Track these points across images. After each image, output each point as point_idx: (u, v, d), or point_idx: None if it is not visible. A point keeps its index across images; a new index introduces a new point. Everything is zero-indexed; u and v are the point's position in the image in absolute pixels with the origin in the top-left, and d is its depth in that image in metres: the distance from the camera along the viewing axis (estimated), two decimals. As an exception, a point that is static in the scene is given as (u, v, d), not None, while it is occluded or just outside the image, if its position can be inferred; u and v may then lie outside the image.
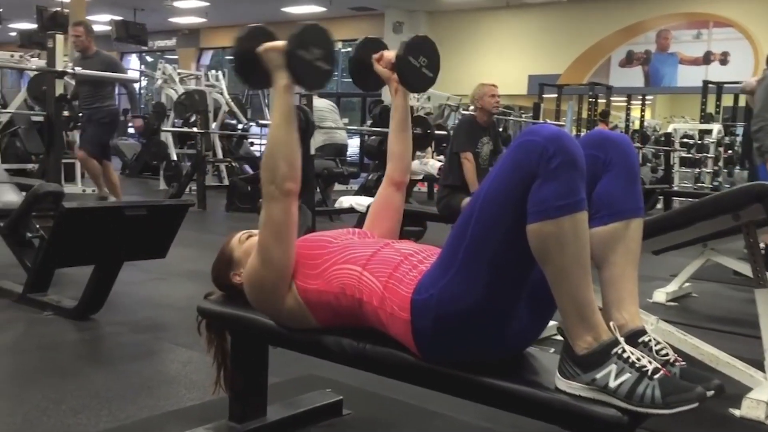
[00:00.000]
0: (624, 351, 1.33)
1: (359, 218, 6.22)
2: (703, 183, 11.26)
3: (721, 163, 11.41)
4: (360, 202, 5.93)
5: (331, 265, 1.68)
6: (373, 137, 7.75)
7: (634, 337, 1.43)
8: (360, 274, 1.62)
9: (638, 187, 1.53)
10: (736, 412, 2.50)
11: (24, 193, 3.74)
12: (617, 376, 1.30)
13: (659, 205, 9.35)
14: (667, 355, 1.40)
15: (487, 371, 1.47)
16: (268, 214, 1.69)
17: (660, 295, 4.34)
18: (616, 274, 1.48)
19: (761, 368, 2.58)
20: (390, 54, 1.93)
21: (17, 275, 3.75)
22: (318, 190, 7.33)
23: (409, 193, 7.30)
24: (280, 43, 1.67)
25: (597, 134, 1.56)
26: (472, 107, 5.44)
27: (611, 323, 1.38)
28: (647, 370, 1.30)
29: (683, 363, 1.41)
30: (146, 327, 3.30)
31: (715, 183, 11.14)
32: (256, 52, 1.70)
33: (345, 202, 6.02)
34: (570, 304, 1.36)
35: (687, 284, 4.52)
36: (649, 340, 1.42)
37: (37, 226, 3.51)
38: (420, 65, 1.91)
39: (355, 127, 11.92)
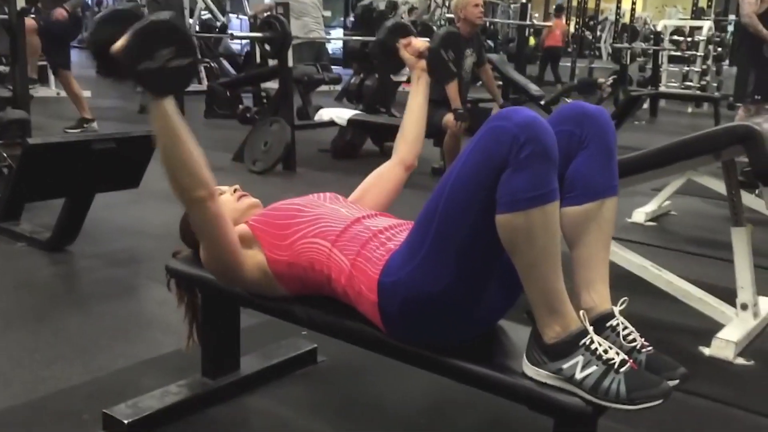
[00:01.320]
0: (592, 342, 1.32)
1: (339, 132, 6.13)
2: (690, 82, 11.13)
3: (710, 62, 11.24)
4: (341, 115, 5.81)
5: (300, 237, 1.64)
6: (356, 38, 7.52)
7: (603, 321, 1.41)
8: (329, 250, 1.58)
9: (614, 165, 1.47)
10: (706, 351, 2.54)
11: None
12: (584, 367, 1.30)
13: (646, 105, 9.29)
14: (634, 341, 1.39)
15: (454, 352, 1.46)
16: (192, 220, 1.63)
17: (639, 215, 4.35)
18: (588, 254, 1.45)
19: (734, 300, 2.61)
20: (418, 43, 1.97)
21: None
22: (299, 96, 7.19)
23: (393, 94, 7.17)
24: (119, 54, 1.36)
25: (574, 108, 1.48)
26: (454, 17, 5.24)
27: (581, 312, 1.36)
28: (614, 363, 1.29)
29: (650, 348, 1.40)
30: (122, 260, 3.28)
31: (703, 82, 11.02)
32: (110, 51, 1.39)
33: (325, 114, 5.89)
34: (538, 294, 1.33)
35: (667, 202, 4.52)
36: (617, 325, 1.41)
37: (4, 155, 3.41)
38: (448, 59, 1.96)
39: (338, 37, 11.54)
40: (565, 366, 1.32)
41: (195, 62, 1.46)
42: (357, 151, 6.30)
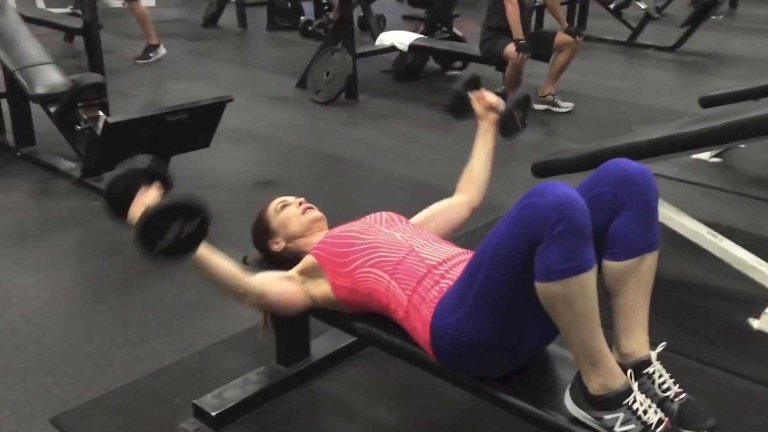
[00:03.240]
0: (635, 401, 1.43)
1: (400, 55, 6.08)
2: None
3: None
4: (402, 39, 5.77)
5: (359, 266, 1.78)
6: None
7: (640, 367, 1.53)
8: (388, 282, 1.72)
9: (655, 222, 1.54)
10: (755, 323, 2.62)
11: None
12: (623, 423, 1.42)
13: None
14: (668, 389, 1.51)
15: (501, 384, 1.61)
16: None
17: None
18: (627, 304, 1.56)
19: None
20: (491, 98, 2.17)
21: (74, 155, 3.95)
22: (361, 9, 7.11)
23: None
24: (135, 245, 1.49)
25: (617, 169, 1.55)
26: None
27: (628, 372, 1.47)
28: (651, 424, 1.41)
29: (683, 397, 1.52)
30: (198, 217, 3.50)
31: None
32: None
33: (386, 39, 5.86)
34: (580, 351, 1.46)
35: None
36: (653, 372, 1.53)
37: (85, 117, 3.61)
38: (517, 117, 2.14)
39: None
40: (606, 417, 1.45)
41: (205, 217, 1.51)
42: (419, 73, 6.29)
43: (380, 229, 1.88)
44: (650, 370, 1.53)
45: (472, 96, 2.21)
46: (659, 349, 1.56)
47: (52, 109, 3.78)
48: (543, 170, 3.18)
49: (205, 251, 1.64)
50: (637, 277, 1.54)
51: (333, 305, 1.86)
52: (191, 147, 3.50)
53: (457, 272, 1.67)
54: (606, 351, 1.46)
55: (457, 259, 1.74)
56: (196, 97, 3.69)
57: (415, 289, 1.68)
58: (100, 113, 3.66)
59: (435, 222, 2.06)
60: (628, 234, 1.53)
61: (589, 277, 1.40)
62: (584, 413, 1.48)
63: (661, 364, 1.54)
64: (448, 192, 3.88)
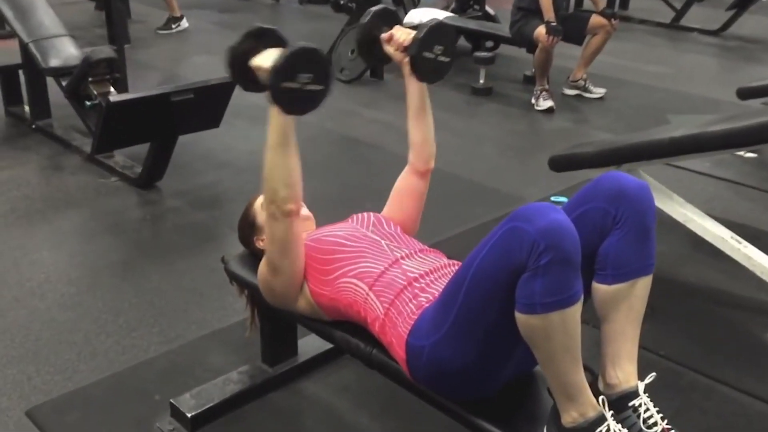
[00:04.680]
0: (608, 430, 1.33)
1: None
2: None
3: None
4: (435, 15, 5.60)
5: (341, 275, 1.67)
6: None
7: (625, 400, 1.41)
8: (366, 294, 1.62)
9: (650, 244, 1.41)
10: (775, 339, 2.47)
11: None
12: None
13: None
14: (654, 425, 1.39)
15: (479, 410, 1.50)
16: (271, 231, 1.67)
17: (739, 147, 4.08)
18: (616, 330, 1.43)
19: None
20: (400, 36, 1.79)
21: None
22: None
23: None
24: (266, 66, 1.53)
25: (612, 184, 1.40)
26: None
27: (600, 398, 1.36)
28: (624, 458, 1.30)
29: (669, 434, 1.40)
30: (206, 200, 3.44)
31: None
32: (248, 65, 1.58)
33: (415, 17, 5.68)
34: (557, 384, 1.34)
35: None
36: (639, 405, 1.40)
37: (95, 92, 3.54)
38: (435, 55, 1.75)
39: None
40: (578, 450, 1.35)
41: (327, 90, 1.55)
42: (449, 52, 6.11)
43: (366, 234, 1.77)
44: (636, 402, 1.40)
45: (383, 38, 1.80)
46: (648, 380, 1.43)
47: (65, 83, 3.74)
48: (561, 164, 3.04)
49: (295, 137, 1.59)
50: (628, 302, 1.41)
51: (312, 310, 1.77)
52: (199, 127, 3.42)
53: (439, 286, 1.56)
54: (583, 384, 1.34)
55: (441, 272, 1.63)
56: (217, 71, 3.58)
57: (392, 302, 1.57)
58: (111, 89, 3.59)
59: (398, 212, 1.93)
60: (619, 256, 1.40)
61: (573, 311, 1.27)
62: (559, 449, 1.37)
63: (649, 397, 1.41)
64: (465, 181, 3.84)
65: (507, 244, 1.28)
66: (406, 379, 1.59)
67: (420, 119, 1.89)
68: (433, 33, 1.73)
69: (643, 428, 1.38)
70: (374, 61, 1.90)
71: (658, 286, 2.75)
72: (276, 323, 2.12)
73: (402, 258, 1.67)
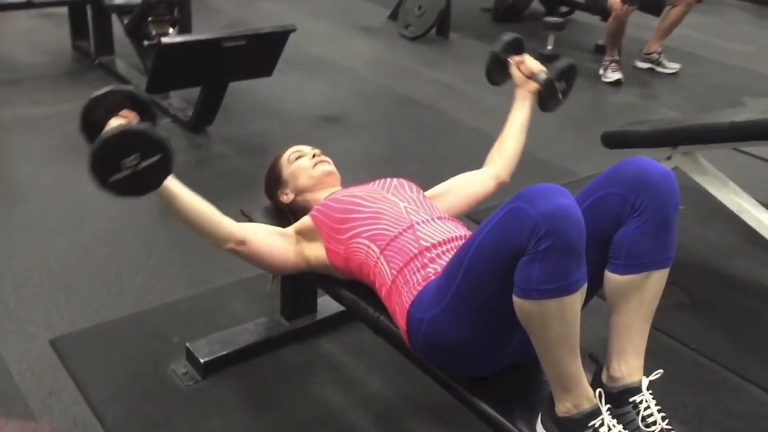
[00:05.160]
0: (602, 424, 1.27)
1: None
2: None
3: None
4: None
5: (355, 235, 1.65)
6: None
7: (626, 395, 1.34)
8: (377, 258, 1.59)
9: (670, 236, 1.32)
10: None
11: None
12: None
13: None
14: (653, 424, 1.32)
15: (477, 389, 1.47)
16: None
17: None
18: (624, 323, 1.36)
19: None
20: (532, 64, 1.95)
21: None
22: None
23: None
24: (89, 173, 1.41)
25: (634, 170, 1.32)
26: None
27: (597, 391, 1.30)
28: (617, 452, 1.25)
29: (669, 434, 1.33)
30: (252, 148, 3.45)
31: None
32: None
33: None
34: (552, 372, 1.29)
35: None
36: (640, 402, 1.33)
37: (154, 33, 3.57)
38: (558, 89, 1.92)
39: None
40: (570, 442, 1.30)
41: (167, 154, 1.41)
42: (520, 14, 5.93)
43: (385, 196, 1.74)
44: (637, 399, 1.34)
45: (512, 60, 1.98)
46: (653, 376, 1.37)
47: (126, 21, 3.78)
48: (613, 141, 2.91)
49: (177, 187, 1.56)
50: (639, 294, 1.34)
51: (327, 270, 1.75)
52: (251, 75, 3.41)
53: (449, 258, 1.51)
54: (580, 376, 1.28)
55: (454, 244, 1.58)
56: (283, 20, 3.56)
57: (401, 270, 1.54)
58: (170, 30, 3.61)
59: (452, 195, 1.89)
60: (633, 246, 1.32)
61: (572, 300, 1.21)
62: (551, 438, 1.33)
63: (651, 394, 1.35)
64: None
65: (508, 225, 1.22)
66: (408, 349, 1.56)
67: (521, 134, 1.98)
68: (568, 69, 1.93)
69: (641, 426, 1.33)
70: (494, 80, 2.04)
71: (702, 276, 2.68)
72: (296, 279, 2.11)
73: (418, 223, 1.63)
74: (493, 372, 1.48)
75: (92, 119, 1.52)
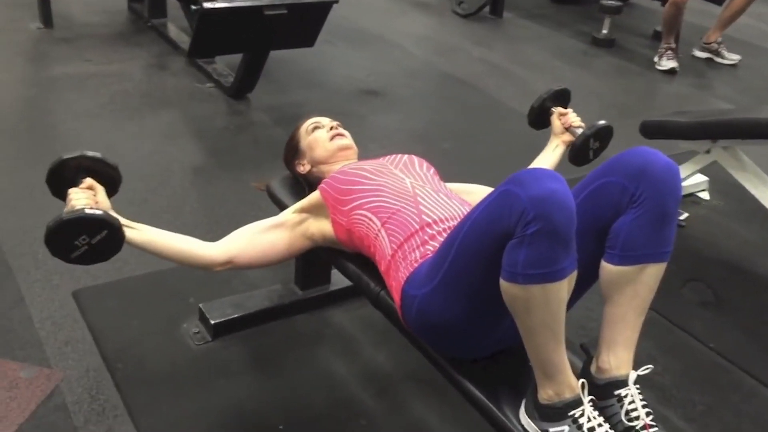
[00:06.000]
0: (582, 415, 1.26)
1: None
2: None
3: None
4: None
5: (357, 207, 1.66)
6: None
7: (611, 387, 1.32)
8: (378, 232, 1.59)
9: (669, 230, 1.29)
10: None
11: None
12: None
13: None
14: (636, 419, 1.30)
15: (466, 371, 1.47)
16: None
17: None
18: (617, 314, 1.34)
19: None
20: (573, 119, 1.99)
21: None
22: None
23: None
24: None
25: (636, 159, 1.29)
26: None
27: (580, 381, 1.29)
28: (595, 444, 1.24)
29: (652, 431, 1.31)
30: (288, 117, 3.47)
31: None
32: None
33: None
34: (536, 358, 1.28)
35: None
36: (625, 396, 1.31)
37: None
38: (591, 148, 1.97)
39: None
40: (551, 430, 1.29)
41: (111, 228, 1.47)
42: (581, -5, 5.80)
43: (392, 171, 1.74)
44: (623, 392, 1.32)
45: (555, 110, 2.03)
46: (642, 371, 1.34)
47: (177, -15, 3.83)
48: (652, 131, 2.85)
49: (144, 238, 1.62)
50: (633, 287, 1.31)
51: (333, 244, 1.76)
52: (292, 44, 3.43)
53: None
54: (563, 364, 1.27)
55: (457, 221, 1.57)
56: None
57: (401, 245, 1.54)
58: (218, -5, 3.64)
59: (467, 197, 1.85)
60: (630, 237, 1.29)
61: (557, 288, 1.19)
62: (533, 424, 1.32)
63: (638, 389, 1.32)
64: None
65: (498, 208, 1.21)
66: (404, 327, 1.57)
67: None
68: (604, 131, 1.97)
69: (623, 419, 1.30)
70: (536, 124, 2.10)
71: (731, 275, 2.61)
72: (311, 250, 2.13)
73: (422, 197, 1.62)
74: (484, 354, 1.48)
75: (61, 176, 1.60)
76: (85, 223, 1.44)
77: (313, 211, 1.76)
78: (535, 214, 1.15)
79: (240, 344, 2.06)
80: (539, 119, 2.08)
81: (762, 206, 2.64)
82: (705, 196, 3.08)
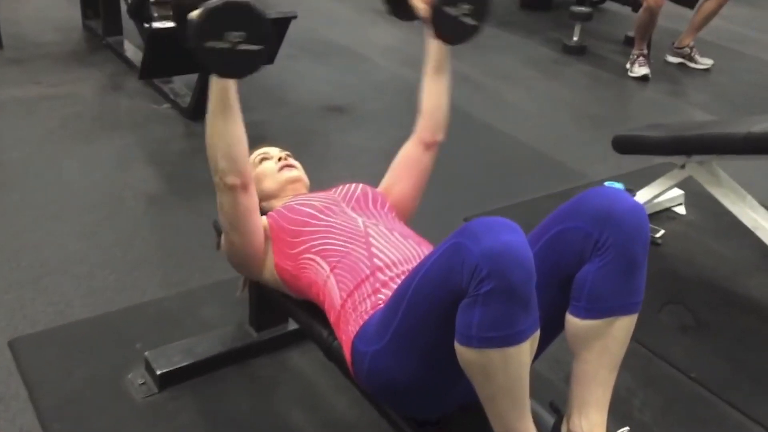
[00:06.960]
0: (549, 487, 1.14)
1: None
2: None
3: None
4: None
5: (305, 251, 1.52)
6: None
7: (584, 455, 1.20)
8: (326, 278, 1.46)
9: (638, 279, 1.16)
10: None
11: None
12: None
13: None
14: (611, 490, 1.18)
15: (425, 429, 1.34)
16: (219, 201, 1.52)
17: None
18: (586, 372, 1.21)
19: None
20: None
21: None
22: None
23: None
24: (190, 28, 1.32)
25: (600, 203, 1.16)
26: None
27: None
28: None
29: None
30: (250, 140, 3.24)
31: None
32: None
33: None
34: (497, 425, 1.15)
35: None
36: (600, 464, 1.19)
37: (156, 15, 3.46)
38: (459, 14, 1.58)
39: None
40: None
41: (264, 50, 1.36)
42: (549, 2, 5.70)
43: (343, 210, 1.60)
44: (597, 461, 1.19)
45: None
46: (621, 435, 1.22)
47: (130, 1, 3.68)
48: (624, 146, 2.74)
49: (236, 98, 1.42)
50: (602, 342, 1.19)
51: (278, 284, 1.62)
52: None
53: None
54: (529, 430, 1.14)
55: (411, 265, 1.44)
56: (303, 3, 3.42)
57: (351, 293, 1.41)
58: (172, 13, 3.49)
59: (399, 185, 1.73)
60: (596, 287, 1.16)
61: (518, 352, 1.06)
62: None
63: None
64: (526, 149, 3.43)
65: (449, 263, 1.08)
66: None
67: (434, 82, 1.71)
68: None
69: (598, 491, 1.18)
70: (399, 13, 1.72)
71: (711, 296, 2.49)
72: (264, 287, 1.99)
73: (374, 238, 1.49)
74: (445, 412, 1.35)
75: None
76: (260, 27, 1.33)
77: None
78: (489, 270, 1.02)
79: (189, 394, 1.91)
80: (402, 7, 1.67)
81: (739, 221, 2.53)
82: (681, 210, 2.98)
